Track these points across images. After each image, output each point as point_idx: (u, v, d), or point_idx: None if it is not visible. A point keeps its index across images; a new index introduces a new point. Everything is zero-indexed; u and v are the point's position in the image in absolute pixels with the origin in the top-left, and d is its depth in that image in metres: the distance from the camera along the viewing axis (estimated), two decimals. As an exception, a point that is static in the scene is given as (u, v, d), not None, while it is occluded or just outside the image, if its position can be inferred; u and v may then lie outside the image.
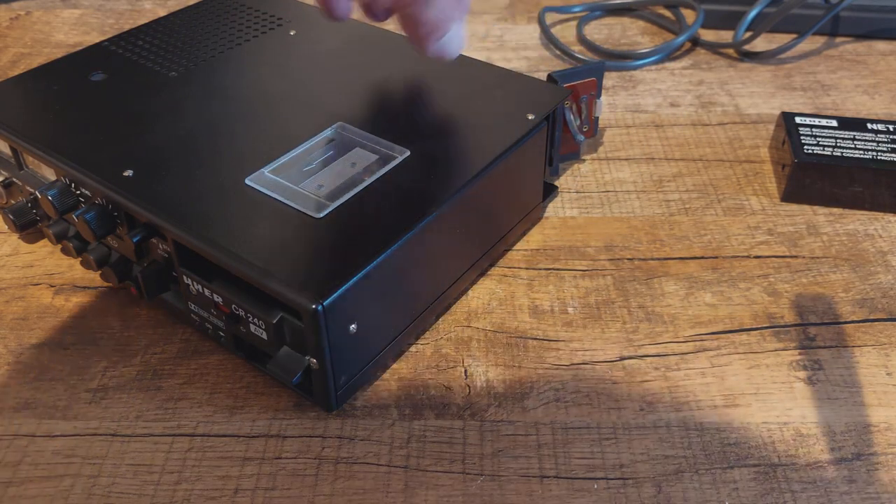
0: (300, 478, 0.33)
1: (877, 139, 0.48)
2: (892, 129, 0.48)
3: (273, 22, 0.51)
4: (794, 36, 0.66)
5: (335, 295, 0.31)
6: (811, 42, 0.66)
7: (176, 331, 0.39)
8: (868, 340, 0.38)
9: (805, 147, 0.48)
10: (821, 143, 0.48)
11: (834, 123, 0.49)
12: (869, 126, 0.49)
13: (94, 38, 0.67)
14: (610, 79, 0.61)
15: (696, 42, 0.65)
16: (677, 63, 0.63)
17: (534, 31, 0.68)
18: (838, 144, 0.48)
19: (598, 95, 0.48)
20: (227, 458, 0.33)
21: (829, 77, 0.61)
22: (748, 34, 0.61)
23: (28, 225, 0.40)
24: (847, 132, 0.49)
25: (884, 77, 0.61)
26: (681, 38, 0.62)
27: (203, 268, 0.34)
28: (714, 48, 0.63)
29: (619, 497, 0.32)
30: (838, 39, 0.66)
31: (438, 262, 0.38)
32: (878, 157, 0.47)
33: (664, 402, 0.36)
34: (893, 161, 0.47)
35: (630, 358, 0.38)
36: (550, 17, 0.69)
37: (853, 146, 0.48)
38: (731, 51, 0.62)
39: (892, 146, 0.48)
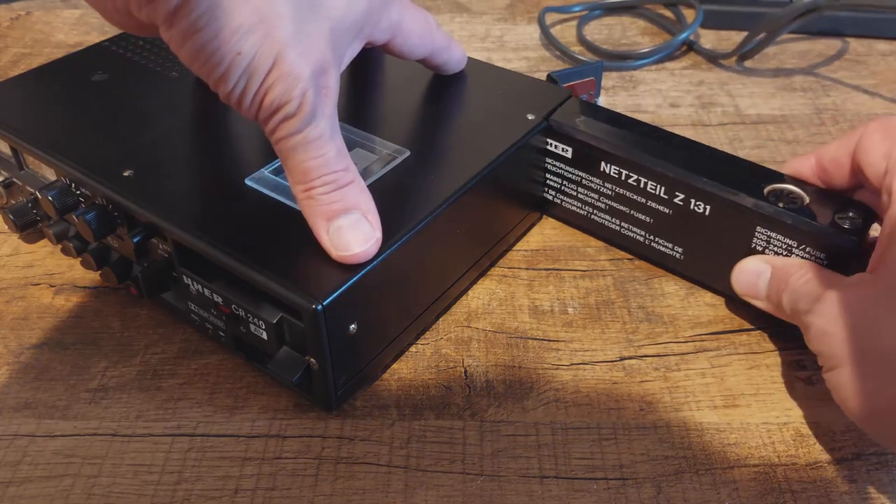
0: (300, 478, 0.33)
1: (602, 188, 0.41)
2: (624, 176, 0.40)
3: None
4: (796, 36, 0.66)
5: (335, 295, 0.31)
6: (811, 42, 0.66)
7: (176, 331, 0.39)
8: (868, 340, 0.38)
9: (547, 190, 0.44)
10: (561, 186, 0.43)
11: (569, 154, 0.42)
12: (603, 166, 0.40)
13: (95, 38, 0.67)
14: (610, 79, 0.61)
15: (691, 47, 0.65)
16: (677, 63, 0.63)
17: (534, 31, 0.68)
18: (563, 187, 0.43)
19: (597, 95, 0.48)
20: (227, 458, 0.33)
21: (829, 77, 0.61)
22: (750, 47, 0.61)
23: (28, 225, 0.40)
24: (576, 173, 0.42)
25: (884, 77, 0.61)
26: (680, 38, 0.62)
27: (203, 268, 0.34)
28: (711, 57, 0.63)
29: (619, 497, 0.32)
30: (838, 39, 0.66)
31: (438, 262, 0.38)
32: (592, 216, 0.43)
33: (664, 402, 0.36)
34: (605, 226, 0.43)
35: (630, 358, 0.38)
36: (550, 18, 0.69)
37: (575, 194, 0.43)
38: (730, 61, 0.62)
39: (613, 202, 0.41)
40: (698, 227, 0.39)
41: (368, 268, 0.32)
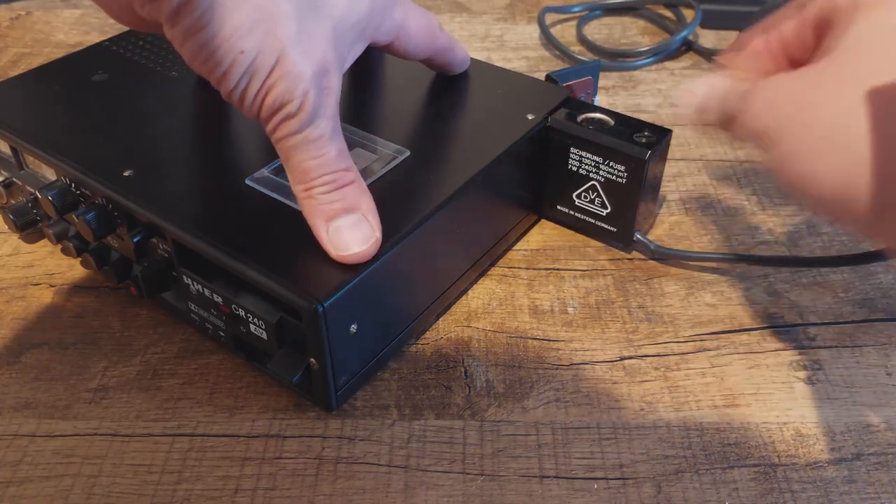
0: (300, 478, 0.33)
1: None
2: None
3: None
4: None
5: (336, 295, 0.31)
6: (811, 42, 0.66)
7: (176, 331, 0.39)
8: (868, 340, 0.38)
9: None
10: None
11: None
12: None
13: (95, 38, 0.67)
14: (610, 79, 0.61)
15: (690, 46, 0.65)
16: (677, 63, 0.63)
17: (534, 31, 0.68)
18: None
19: (594, 94, 0.48)
20: (227, 458, 0.33)
21: (829, 77, 0.61)
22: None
23: (28, 225, 0.40)
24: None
25: (884, 77, 0.61)
26: (678, 37, 0.62)
27: (203, 268, 0.34)
28: (711, 56, 0.63)
29: (619, 497, 0.32)
30: (838, 39, 0.66)
31: (438, 262, 0.37)
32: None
33: (664, 402, 0.36)
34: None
35: (630, 358, 0.38)
36: (550, 17, 0.69)
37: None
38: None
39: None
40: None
41: (369, 268, 0.32)
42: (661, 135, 0.40)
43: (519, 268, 0.43)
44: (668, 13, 0.69)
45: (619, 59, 0.63)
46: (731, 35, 0.66)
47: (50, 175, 0.40)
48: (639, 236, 0.42)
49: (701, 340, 0.39)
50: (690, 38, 0.65)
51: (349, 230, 0.32)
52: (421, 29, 0.40)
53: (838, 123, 0.27)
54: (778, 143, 0.29)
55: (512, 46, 0.66)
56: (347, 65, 0.35)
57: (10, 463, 0.33)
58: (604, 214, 0.43)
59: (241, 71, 0.29)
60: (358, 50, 0.36)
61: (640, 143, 0.40)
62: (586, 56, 0.63)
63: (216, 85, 0.30)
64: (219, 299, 0.34)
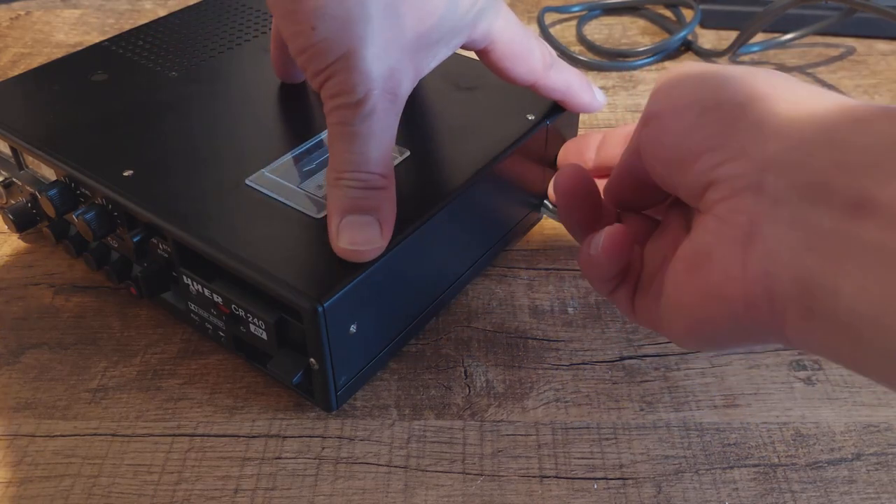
0: (300, 478, 0.33)
1: None
2: None
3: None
4: (796, 35, 0.66)
5: (336, 296, 0.31)
6: (811, 42, 0.66)
7: (176, 331, 0.39)
8: (868, 340, 0.38)
9: None
10: None
11: None
12: None
13: (94, 38, 0.67)
14: (610, 79, 0.61)
15: (689, 47, 0.65)
16: (677, 63, 0.63)
17: (533, 31, 0.68)
18: None
19: None
20: (227, 458, 0.33)
21: (830, 77, 0.61)
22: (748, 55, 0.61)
23: (28, 225, 0.40)
24: None
25: (884, 77, 0.61)
26: (677, 37, 0.62)
27: (203, 268, 0.34)
28: (711, 56, 0.63)
29: (619, 497, 0.32)
30: (838, 39, 0.66)
31: (438, 262, 0.38)
32: None
33: (664, 402, 0.36)
34: None
35: (630, 358, 0.38)
36: (550, 17, 0.69)
37: None
38: (724, 59, 0.62)
39: None
40: None
41: (369, 268, 0.32)
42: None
43: (519, 268, 0.43)
44: (667, 13, 0.69)
45: (618, 58, 0.63)
46: (731, 35, 0.66)
47: (50, 175, 0.40)
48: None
49: (701, 340, 0.39)
50: (690, 38, 0.65)
51: (358, 227, 0.32)
52: (513, 47, 0.37)
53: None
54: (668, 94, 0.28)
55: (512, 46, 0.65)
56: (429, 69, 0.34)
57: (10, 463, 0.33)
58: None
59: (307, 44, 0.31)
60: (442, 56, 0.34)
61: None
62: (586, 56, 0.63)
63: (288, 39, 0.32)
64: (219, 299, 0.34)
